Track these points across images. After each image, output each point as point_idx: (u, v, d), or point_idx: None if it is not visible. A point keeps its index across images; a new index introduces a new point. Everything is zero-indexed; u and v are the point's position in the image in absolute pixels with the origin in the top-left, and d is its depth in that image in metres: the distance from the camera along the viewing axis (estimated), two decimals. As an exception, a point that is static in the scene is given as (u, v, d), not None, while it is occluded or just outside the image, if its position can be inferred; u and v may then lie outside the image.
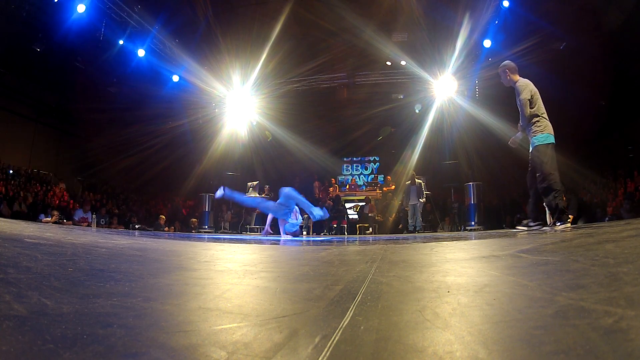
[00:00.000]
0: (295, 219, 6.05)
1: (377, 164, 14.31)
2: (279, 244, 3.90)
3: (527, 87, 4.16)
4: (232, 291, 1.24)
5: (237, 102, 11.44)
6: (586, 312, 0.77)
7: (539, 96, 4.14)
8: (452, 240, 3.56)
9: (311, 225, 9.58)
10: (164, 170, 11.84)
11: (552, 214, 4.06)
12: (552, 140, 4.05)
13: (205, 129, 11.80)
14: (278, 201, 5.81)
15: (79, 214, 9.10)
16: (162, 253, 2.43)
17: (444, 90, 10.50)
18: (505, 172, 9.37)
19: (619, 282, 1.01)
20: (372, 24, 9.72)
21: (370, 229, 9.85)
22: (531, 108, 4.07)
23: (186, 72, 10.96)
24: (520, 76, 4.45)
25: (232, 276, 1.52)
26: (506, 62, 4.53)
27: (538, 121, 4.06)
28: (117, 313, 0.86)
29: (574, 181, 8.73)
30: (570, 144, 9.17)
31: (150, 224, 10.53)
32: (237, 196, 6.29)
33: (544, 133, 4.06)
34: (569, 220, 3.95)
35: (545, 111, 4.10)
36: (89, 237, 3.16)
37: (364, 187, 12.96)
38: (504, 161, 8.86)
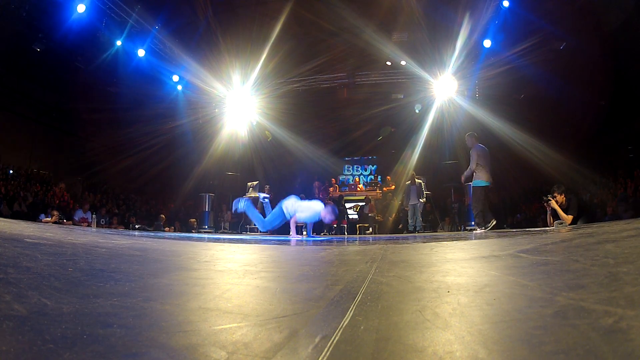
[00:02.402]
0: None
1: (375, 165, 14.32)
2: (279, 244, 3.90)
3: (474, 154, 6.24)
4: (232, 291, 1.24)
5: (237, 102, 11.43)
6: (586, 312, 0.77)
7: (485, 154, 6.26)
8: (452, 240, 3.56)
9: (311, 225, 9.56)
10: (164, 170, 11.84)
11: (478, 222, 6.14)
12: (483, 184, 6.17)
13: (205, 129, 11.80)
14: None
15: (79, 214, 9.09)
16: (162, 253, 2.43)
17: (444, 90, 10.50)
18: (506, 173, 9.38)
19: (619, 282, 1.01)
20: (372, 24, 9.71)
21: (370, 229, 9.84)
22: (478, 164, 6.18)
23: (186, 72, 10.96)
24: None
25: (232, 276, 1.52)
26: (471, 132, 6.64)
27: (478, 171, 6.18)
28: (117, 313, 0.86)
29: (574, 181, 8.73)
30: (570, 144, 9.18)
31: (150, 224, 10.53)
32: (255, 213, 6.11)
33: (479, 179, 6.19)
34: (486, 226, 5.95)
35: (485, 163, 6.17)
36: (89, 237, 3.16)
37: (364, 187, 12.96)
38: (504, 161, 8.87)
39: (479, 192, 6.19)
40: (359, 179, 14.02)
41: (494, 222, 5.93)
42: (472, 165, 6.21)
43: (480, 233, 5.49)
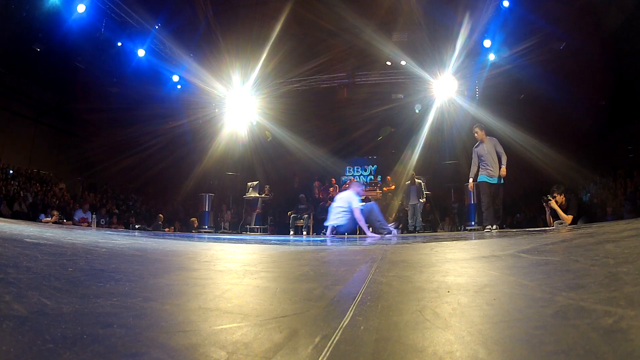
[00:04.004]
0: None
1: (375, 165, 14.32)
2: (279, 244, 3.90)
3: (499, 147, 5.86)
4: (232, 291, 1.24)
5: (237, 102, 11.44)
6: (586, 312, 0.77)
7: None
8: (452, 240, 3.56)
9: (311, 225, 9.58)
10: (164, 170, 11.85)
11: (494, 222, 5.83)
12: None
13: (205, 129, 11.80)
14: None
15: (79, 214, 9.10)
16: (162, 253, 2.43)
17: (444, 90, 10.50)
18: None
19: (619, 282, 1.01)
20: (372, 24, 9.72)
21: (371, 229, 9.83)
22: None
23: (186, 72, 10.96)
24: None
25: (232, 276, 1.52)
26: (478, 124, 6.25)
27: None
28: (117, 313, 0.86)
29: (574, 181, 8.74)
30: (570, 144, 9.18)
31: (149, 224, 10.54)
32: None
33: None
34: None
35: None
36: (89, 237, 3.16)
37: (365, 187, 12.96)
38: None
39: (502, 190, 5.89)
40: (354, 179, 14.03)
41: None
42: (504, 160, 5.71)
43: (495, 231, 5.39)
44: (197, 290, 1.24)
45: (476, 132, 6.01)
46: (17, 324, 0.71)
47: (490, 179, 5.75)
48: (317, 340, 0.70)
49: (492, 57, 9.71)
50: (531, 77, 9.24)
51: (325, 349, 0.66)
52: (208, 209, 10.52)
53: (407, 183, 9.37)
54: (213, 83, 11.17)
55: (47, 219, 8.17)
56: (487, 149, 5.85)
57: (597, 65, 8.87)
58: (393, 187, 11.51)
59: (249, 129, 12.02)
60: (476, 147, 6.05)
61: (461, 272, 1.46)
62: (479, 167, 5.89)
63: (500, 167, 5.70)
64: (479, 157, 5.91)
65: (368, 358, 0.63)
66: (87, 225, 8.65)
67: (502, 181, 5.77)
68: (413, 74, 10.65)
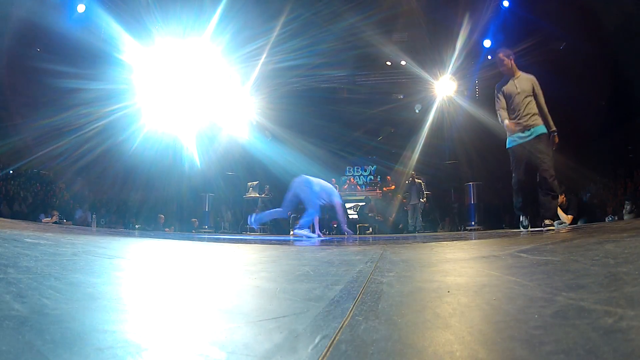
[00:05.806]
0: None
1: (375, 165, 14.33)
2: (279, 244, 3.90)
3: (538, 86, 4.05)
4: (232, 291, 1.24)
5: (237, 102, 11.45)
6: (586, 312, 0.77)
7: None
8: (452, 240, 3.56)
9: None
10: (165, 170, 11.84)
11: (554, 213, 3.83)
12: None
13: (205, 129, 11.81)
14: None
15: (79, 214, 9.10)
16: (162, 253, 2.43)
17: (443, 90, 10.52)
18: (506, 172, 9.39)
19: (619, 282, 1.01)
20: (372, 24, 9.72)
21: (370, 229, 9.85)
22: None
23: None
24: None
25: (232, 276, 1.53)
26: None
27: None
28: (117, 313, 0.87)
29: (574, 181, 8.72)
30: (570, 144, 9.15)
31: (149, 224, 10.54)
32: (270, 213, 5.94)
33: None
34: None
35: None
36: (89, 237, 3.16)
37: (364, 187, 12.97)
38: (505, 161, 8.86)
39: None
40: (354, 179, 14.05)
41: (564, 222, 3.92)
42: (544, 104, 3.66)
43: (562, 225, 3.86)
44: (196, 290, 1.24)
45: (502, 60, 4.03)
46: (17, 324, 0.72)
47: (524, 135, 3.86)
48: (317, 340, 0.70)
49: (492, 57, 9.71)
50: (531, 77, 9.23)
51: (325, 349, 0.66)
52: (208, 209, 10.53)
53: (407, 182, 9.40)
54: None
55: (47, 219, 8.17)
56: (521, 86, 3.91)
57: (597, 65, 8.87)
58: (393, 187, 11.53)
59: (249, 129, 12.03)
60: (501, 84, 4.13)
61: (461, 272, 1.46)
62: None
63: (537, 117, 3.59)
64: (507, 98, 3.94)
65: (368, 358, 0.63)
66: (87, 226, 8.66)
67: (552, 131, 3.74)
68: (413, 74, 10.66)
